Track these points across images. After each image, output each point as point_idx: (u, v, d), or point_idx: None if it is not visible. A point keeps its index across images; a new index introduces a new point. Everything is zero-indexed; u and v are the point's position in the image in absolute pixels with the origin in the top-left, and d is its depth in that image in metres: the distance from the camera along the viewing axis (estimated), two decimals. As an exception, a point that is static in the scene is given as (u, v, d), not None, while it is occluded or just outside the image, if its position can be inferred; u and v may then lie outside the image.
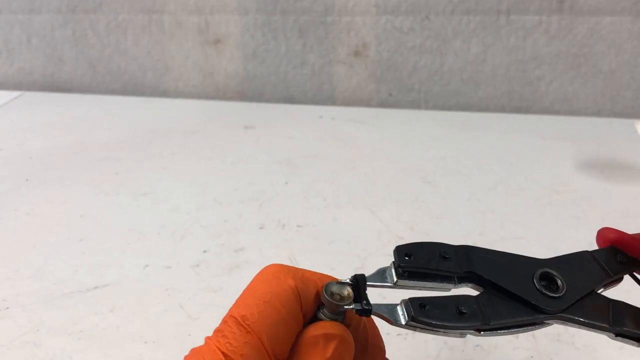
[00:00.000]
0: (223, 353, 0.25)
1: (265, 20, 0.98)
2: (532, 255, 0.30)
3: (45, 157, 0.81)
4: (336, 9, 0.95)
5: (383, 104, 0.98)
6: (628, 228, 0.60)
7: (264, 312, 0.26)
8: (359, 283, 0.28)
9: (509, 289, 0.28)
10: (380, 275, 0.29)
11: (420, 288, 0.29)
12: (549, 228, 0.62)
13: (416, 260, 0.28)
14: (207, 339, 0.26)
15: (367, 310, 0.27)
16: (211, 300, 0.52)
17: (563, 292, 0.28)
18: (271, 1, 0.96)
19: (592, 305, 0.28)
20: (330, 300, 0.27)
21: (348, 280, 0.28)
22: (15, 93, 1.07)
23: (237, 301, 0.27)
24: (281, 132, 0.88)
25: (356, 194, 0.70)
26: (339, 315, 0.28)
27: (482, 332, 0.27)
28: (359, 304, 0.27)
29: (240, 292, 0.28)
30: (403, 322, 0.27)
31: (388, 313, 0.27)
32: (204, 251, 0.59)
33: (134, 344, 0.48)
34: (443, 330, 0.27)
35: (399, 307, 0.27)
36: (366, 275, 0.29)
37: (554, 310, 0.28)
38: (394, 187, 0.71)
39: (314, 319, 0.28)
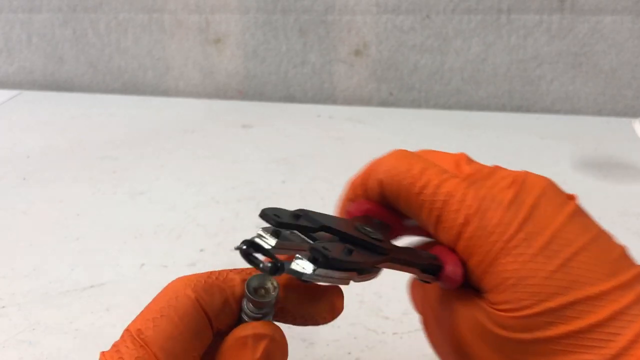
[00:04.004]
0: None
1: (266, 19, 0.97)
2: None
3: (42, 156, 0.81)
4: (337, 8, 0.94)
5: (383, 103, 0.98)
6: (626, 227, 0.60)
7: (159, 326, 0.25)
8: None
9: (357, 238, 0.27)
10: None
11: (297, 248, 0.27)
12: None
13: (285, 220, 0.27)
14: (102, 354, 0.25)
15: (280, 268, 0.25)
16: (207, 299, 0.52)
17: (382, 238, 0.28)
18: (272, 0, 0.96)
19: (402, 249, 0.28)
20: (256, 298, 0.26)
21: (267, 265, 0.26)
22: (14, 92, 1.07)
23: (136, 317, 0.26)
24: (279, 130, 0.88)
25: (354, 193, 0.69)
26: (268, 310, 0.26)
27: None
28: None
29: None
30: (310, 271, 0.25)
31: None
32: (201, 250, 0.59)
33: (128, 343, 0.47)
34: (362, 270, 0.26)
35: (298, 261, 0.25)
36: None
37: (386, 251, 0.27)
38: (393, 186, 0.71)
39: (241, 320, 0.27)
